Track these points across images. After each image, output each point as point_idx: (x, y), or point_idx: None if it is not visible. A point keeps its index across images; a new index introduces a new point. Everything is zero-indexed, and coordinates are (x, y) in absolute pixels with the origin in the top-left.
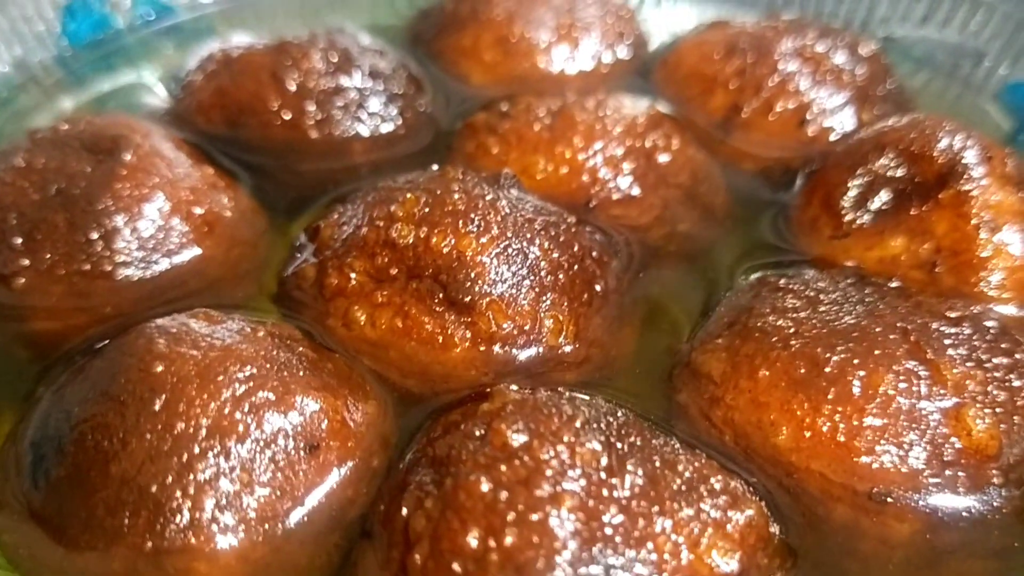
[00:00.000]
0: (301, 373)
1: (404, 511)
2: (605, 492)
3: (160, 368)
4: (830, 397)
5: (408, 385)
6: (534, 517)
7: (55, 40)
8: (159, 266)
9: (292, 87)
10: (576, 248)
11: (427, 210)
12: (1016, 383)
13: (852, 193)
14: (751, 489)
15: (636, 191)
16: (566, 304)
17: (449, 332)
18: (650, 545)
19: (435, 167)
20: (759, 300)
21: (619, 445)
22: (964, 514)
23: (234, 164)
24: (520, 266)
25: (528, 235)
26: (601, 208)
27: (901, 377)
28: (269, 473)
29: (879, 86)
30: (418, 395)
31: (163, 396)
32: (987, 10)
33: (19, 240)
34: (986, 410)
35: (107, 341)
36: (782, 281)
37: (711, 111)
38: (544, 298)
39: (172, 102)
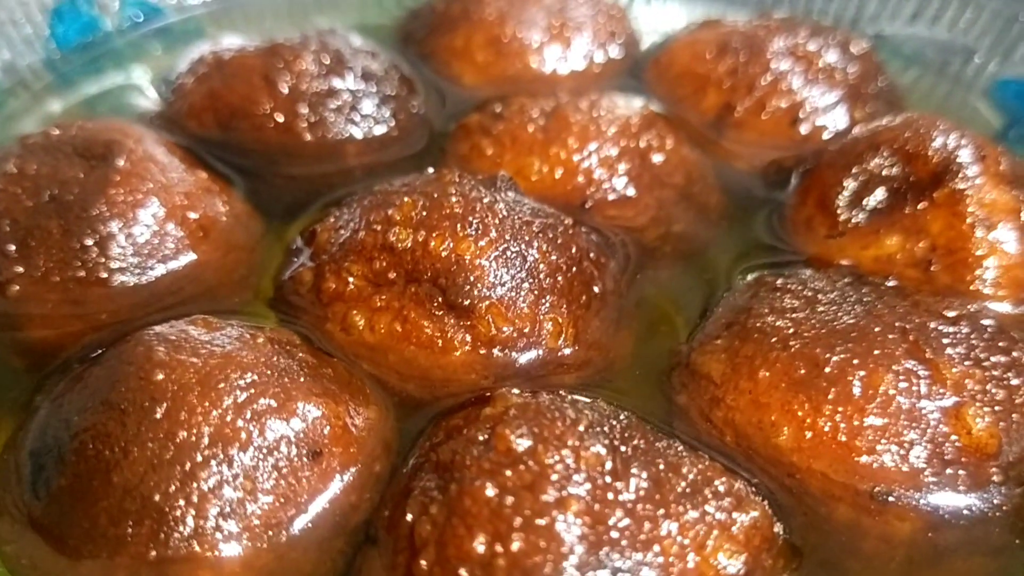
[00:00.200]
0: (302, 379)
1: (409, 517)
2: (610, 496)
3: (161, 376)
4: (831, 397)
5: (407, 389)
6: (540, 522)
7: (43, 43)
8: (155, 272)
9: (284, 89)
10: (574, 250)
11: (425, 214)
12: (1014, 381)
13: (847, 192)
14: (754, 490)
15: (631, 192)
16: (565, 306)
17: (449, 336)
18: (656, 548)
19: (431, 170)
20: (757, 300)
21: (623, 448)
22: (965, 512)
23: (227, 168)
24: (519, 269)
25: (526, 238)
26: (597, 209)
27: (901, 377)
28: (272, 480)
29: (871, 84)
30: (418, 399)
31: (164, 404)
32: (976, 7)
33: (12, 247)
34: (985, 408)
35: (104, 349)
36: (779, 281)
37: (704, 110)
38: (543, 301)
39: (163, 105)
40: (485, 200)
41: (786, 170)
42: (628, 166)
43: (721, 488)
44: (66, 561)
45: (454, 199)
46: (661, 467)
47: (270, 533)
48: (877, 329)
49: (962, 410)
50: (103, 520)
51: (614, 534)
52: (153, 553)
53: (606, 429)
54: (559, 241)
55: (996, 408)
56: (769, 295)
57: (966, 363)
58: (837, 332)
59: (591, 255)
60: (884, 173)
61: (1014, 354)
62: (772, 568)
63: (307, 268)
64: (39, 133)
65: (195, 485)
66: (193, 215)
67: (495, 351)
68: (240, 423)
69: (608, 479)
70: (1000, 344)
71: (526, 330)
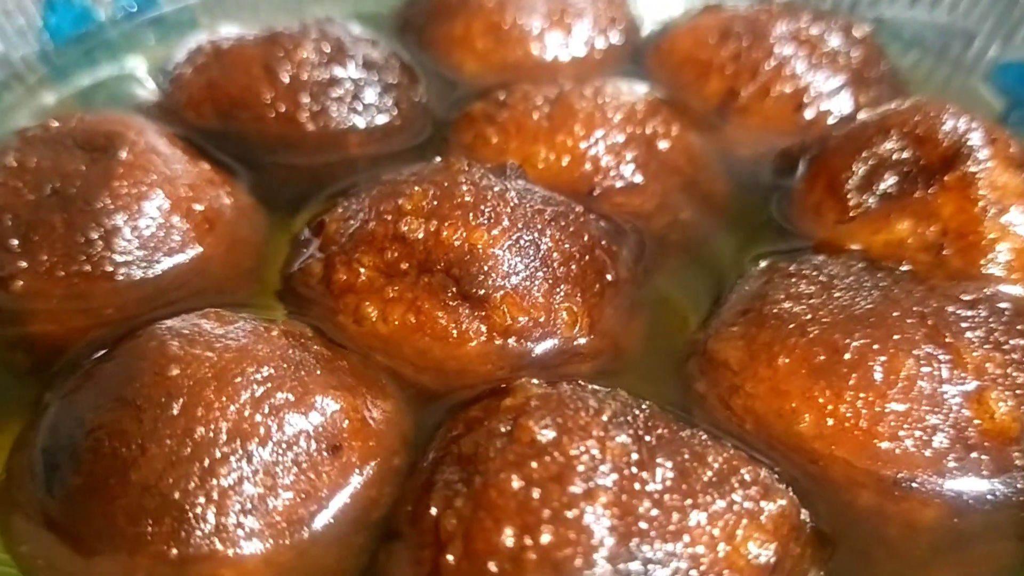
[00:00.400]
0: (318, 372)
1: (433, 511)
2: (637, 486)
3: (176, 371)
4: (851, 383)
5: (422, 381)
6: (569, 514)
7: (37, 35)
8: (161, 265)
9: (285, 79)
10: (586, 238)
11: (436, 203)
12: None
13: (857, 177)
14: (778, 478)
15: (638, 179)
16: (579, 295)
17: (464, 327)
18: (686, 538)
19: (438, 159)
20: (772, 287)
21: (647, 438)
22: (988, 497)
23: (228, 159)
24: (532, 258)
25: (539, 226)
26: (604, 197)
27: (922, 362)
28: (292, 476)
29: (873, 69)
30: (432, 391)
31: (180, 400)
32: None
33: (15, 242)
34: (1007, 392)
35: (114, 344)
36: (792, 267)
37: (707, 96)
38: (558, 290)
39: (161, 96)
40: (496, 188)
41: (793, 156)
42: (635, 153)
43: (747, 477)
44: (83, 560)
45: (465, 188)
46: (686, 456)
47: (291, 530)
48: (896, 314)
49: (984, 394)
50: (121, 518)
51: (643, 525)
52: (174, 551)
53: (629, 419)
54: (571, 229)
55: (1018, 392)
56: (783, 281)
57: (986, 347)
58: (855, 318)
59: (602, 243)
60: (894, 157)
61: None
62: (800, 556)
63: (316, 259)
64: (38, 126)
65: (215, 482)
66: (198, 207)
67: (510, 341)
68: (258, 418)
69: (635, 469)
70: (1019, 327)
71: (541, 319)
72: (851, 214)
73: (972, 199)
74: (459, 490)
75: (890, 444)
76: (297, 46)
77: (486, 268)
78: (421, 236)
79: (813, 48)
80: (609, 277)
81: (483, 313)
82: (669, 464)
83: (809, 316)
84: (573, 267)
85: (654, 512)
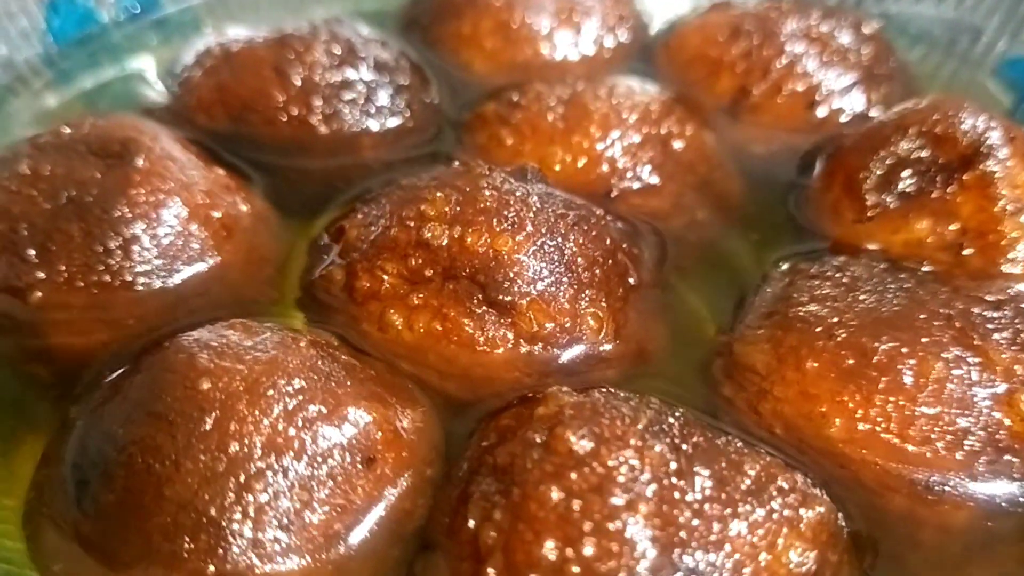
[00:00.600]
0: (348, 383)
1: (471, 523)
2: (677, 496)
3: (207, 385)
4: (881, 387)
5: (448, 389)
6: (612, 526)
7: (40, 37)
8: (181, 274)
9: (297, 81)
10: (608, 241)
11: (459, 209)
12: None
13: (874, 176)
14: (812, 483)
15: (655, 179)
16: (604, 300)
17: (490, 334)
18: (728, 548)
19: (456, 163)
20: (795, 289)
21: (684, 447)
22: (1021, 499)
23: (241, 163)
24: (557, 263)
25: (562, 230)
26: (621, 198)
27: (951, 364)
28: (328, 490)
29: (883, 65)
30: (458, 399)
31: (213, 414)
32: None
33: (32, 252)
34: None
35: (139, 356)
36: (815, 268)
37: (718, 95)
38: (583, 295)
39: (169, 99)
40: (518, 193)
41: (802, 154)
42: (651, 154)
43: (785, 485)
44: None
45: (487, 193)
46: (723, 465)
47: (328, 544)
48: (922, 316)
49: (1015, 396)
50: (157, 535)
51: (684, 535)
52: (211, 568)
53: (665, 427)
54: (593, 233)
55: None
56: (806, 283)
57: (1014, 348)
58: (882, 320)
59: (624, 246)
60: (912, 156)
61: None
62: (838, 563)
63: (337, 266)
64: (49, 132)
65: (251, 497)
66: (216, 214)
67: (536, 348)
68: (292, 432)
69: (674, 479)
70: None
71: (567, 325)
72: (869, 214)
73: (991, 198)
74: (497, 502)
75: (921, 448)
76: (308, 48)
77: (512, 274)
78: (445, 243)
79: (824, 45)
80: (632, 281)
81: (510, 320)
82: (707, 473)
83: (835, 319)
84: (597, 271)
85: (695, 522)
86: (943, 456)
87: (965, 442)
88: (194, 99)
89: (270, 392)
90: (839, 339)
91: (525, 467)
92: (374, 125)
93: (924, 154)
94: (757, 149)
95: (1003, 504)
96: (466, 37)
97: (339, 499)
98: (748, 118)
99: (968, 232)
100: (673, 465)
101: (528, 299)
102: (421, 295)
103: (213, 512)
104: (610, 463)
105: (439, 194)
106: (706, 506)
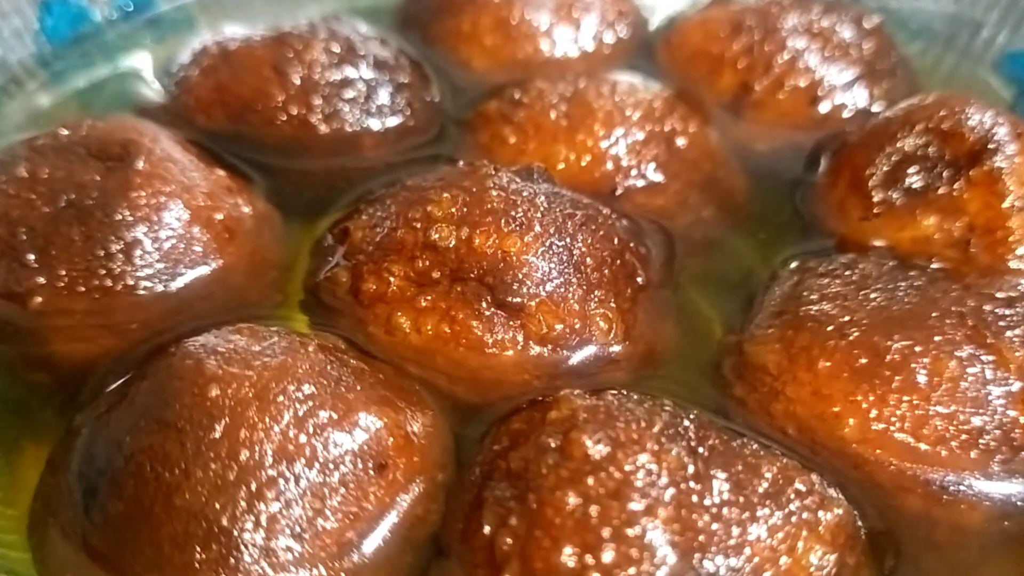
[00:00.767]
0: (358, 387)
1: (487, 529)
2: (695, 500)
3: (216, 392)
4: (895, 386)
5: (456, 392)
6: (631, 531)
7: (33, 37)
8: (183, 278)
9: (296, 80)
10: (616, 241)
11: (466, 210)
12: None
13: (881, 173)
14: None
15: (659, 177)
16: (613, 300)
17: (500, 336)
18: (748, 552)
19: (461, 163)
20: (805, 287)
21: (700, 450)
22: None
23: (241, 164)
24: (566, 264)
25: (570, 230)
26: (626, 197)
27: (965, 363)
28: (340, 497)
29: (885, 60)
30: (466, 402)
31: (223, 421)
32: None
33: (32, 256)
34: None
35: (144, 362)
36: (823, 267)
37: (720, 91)
38: (592, 295)
39: (166, 99)
40: (525, 193)
41: (805, 150)
42: (655, 151)
43: (802, 487)
44: None
45: (494, 193)
46: (740, 468)
47: (342, 552)
48: (935, 314)
49: None
50: (168, 546)
51: (703, 539)
52: None
53: (680, 430)
54: (601, 233)
55: None
56: (816, 281)
57: None
58: (894, 319)
59: (631, 245)
60: (919, 153)
61: None
62: (856, 566)
63: (342, 268)
64: (46, 134)
65: (263, 506)
66: (218, 216)
67: (546, 350)
68: (303, 439)
69: (692, 483)
70: None
71: (577, 327)
72: (876, 211)
73: (999, 194)
74: (512, 507)
75: (936, 447)
76: (307, 46)
77: (520, 275)
78: (453, 244)
79: (826, 41)
80: (640, 280)
81: (519, 322)
82: (724, 476)
83: (847, 318)
84: (606, 271)
85: (714, 526)
86: (958, 455)
87: (980, 441)
88: (192, 99)
89: (280, 398)
90: (851, 338)
91: (540, 472)
92: (375, 124)
93: (931, 150)
94: (760, 146)
95: (1019, 503)
96: (465, 34)
97: (351, 506)
98: (750, 115)
99: (976, 228)
100: (691, 469)
101: (537, 300)
102: (429, 297)
103: (224, 521)
104: (627, 467)
105: (446, 195)
106: (724, 510)
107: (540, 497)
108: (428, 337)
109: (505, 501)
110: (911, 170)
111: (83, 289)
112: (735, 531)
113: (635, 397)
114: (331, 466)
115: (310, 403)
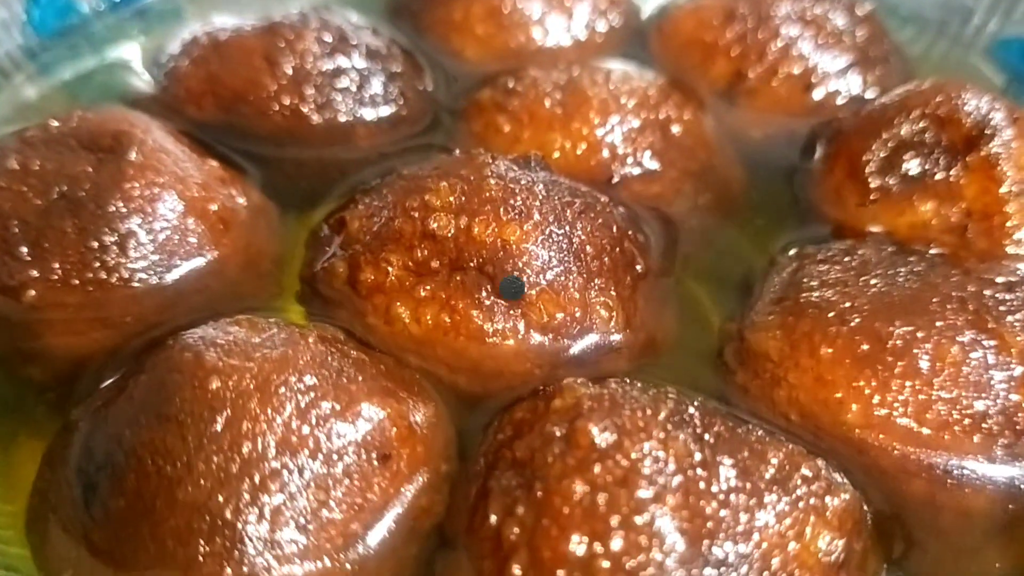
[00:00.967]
0: (360, 378)
1: (493, 519)
2: (703, 487)
3: (216, 384)
4: (897, 372)
5: (457, 382)
6: (639, 519)
7: (21, 29)
8: (178, 270)
9: (288, 71)
10: (615, 229)
11: (464, 198)
12: None
13: (877, 159)
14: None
15: (655, 165)
16: (613, 288)
17: (500, 325)
18: (756, 537)
19: (457, 151)
20: (804, 274)
21: (706, 436)
22: None
23: (234, 155)
24: (566, 252)
25: (569, 218)
26: (623, 185)
27: (967, 348)
28: (344, 488)
29: (878, 46)
30: (468, 392)
31: (224, 414)
32: None
33: (24, 249)
34: None
35: (141, 355)
36: (822, 253)
37: (713, 79)
38: (593, 283)
39: (156, 89)
40: (523, 181)
41: (800, 137)
42: (651, 139)
43: (809, 473)
44: None
45: (492, 181)
46: (746, 454)
47: (347, 544)
48: (935, 300)
49: None
50: (171, 540)
51: (712, 526)
52: (228, 571)
53: (686, 417)
54: (600, 221)
55: None
56: (815, 268)
57: None
58: (895, 305)
59: (630, 233)
60: (915, 139)
61: None
62: (863, 551)
63: (339, 259)
64: (36, 126)
65: (267, 498)
66: (212, 207)
67: (547, 339)
68: (306, 430)
69: (699, 470)
70: None
71: (578, 315)
72: (872, 197)
73: (996, 179)
74: (519, 497)
75: (939, 432)
76: (299, 36)
77: (520, 264)
78: (452, 233)
79: (818, 28)
80: (639, 268)
81: (520, 311)
82: (731, 463)
83: (848, 304)
84: (605, 259)
85: (723, 513)
86: (961, 440)
87: (983, 425)
88: (182, 89)
89: (282, 390)
90: (853, 324)
91: (546, 461)
92: (368, 114)
93: (927, 136)
94: (755, 133)
95: (1023, 487)
96: (457, 23)
97: (356, 498)
98: (744, 102)
99: (973, 214)
100: (697, 456)
101: (538, 289)
102: (428, 287)
103: (228, 514)
104: (634, 455)
105: (443, 184)
106: (732, 496)
107: (547, 486)
108: (428, 327)
109: (511, 490)
110: (908, 156)
111: (77, 282)
112: (743, 517)
113: (639, 385)
114: (334, 457)
115: (312, 394)
